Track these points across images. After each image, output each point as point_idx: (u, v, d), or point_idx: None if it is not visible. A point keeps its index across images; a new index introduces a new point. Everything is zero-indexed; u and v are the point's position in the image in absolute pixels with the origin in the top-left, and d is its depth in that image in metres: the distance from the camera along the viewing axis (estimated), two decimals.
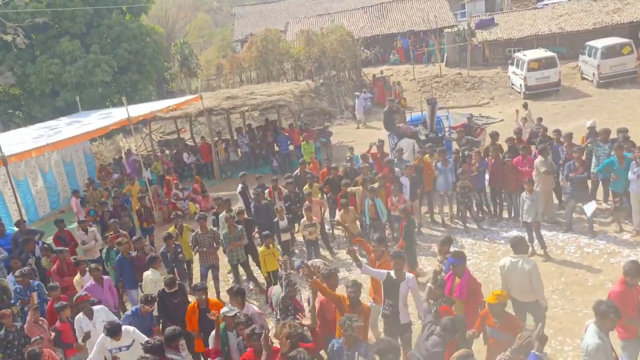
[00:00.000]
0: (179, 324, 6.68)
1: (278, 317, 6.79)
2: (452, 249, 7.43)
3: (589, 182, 10.61)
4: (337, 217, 11.57)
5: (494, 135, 11.93)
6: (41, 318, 7.79)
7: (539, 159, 10.46)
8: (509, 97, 23.22)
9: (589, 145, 11.14)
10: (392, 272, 6.51)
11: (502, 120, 19.36)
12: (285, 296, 6.77)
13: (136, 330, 6.62)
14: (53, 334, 7.63)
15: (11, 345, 7.31)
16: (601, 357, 4.77)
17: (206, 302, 7.01)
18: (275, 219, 10.53)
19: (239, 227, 9.80)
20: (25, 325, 7.38)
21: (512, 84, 23.77)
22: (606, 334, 4.92)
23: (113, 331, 6.32)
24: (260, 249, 9.48)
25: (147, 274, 8.52)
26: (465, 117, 16.05)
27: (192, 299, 7.59)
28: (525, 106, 16.58)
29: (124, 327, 6.51)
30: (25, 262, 9.64)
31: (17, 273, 8.63)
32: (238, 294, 6.68)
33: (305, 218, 10.24)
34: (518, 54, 23.16)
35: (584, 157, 10.49)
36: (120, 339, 6.39)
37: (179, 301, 7.57)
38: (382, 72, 27.14)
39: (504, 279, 6.82)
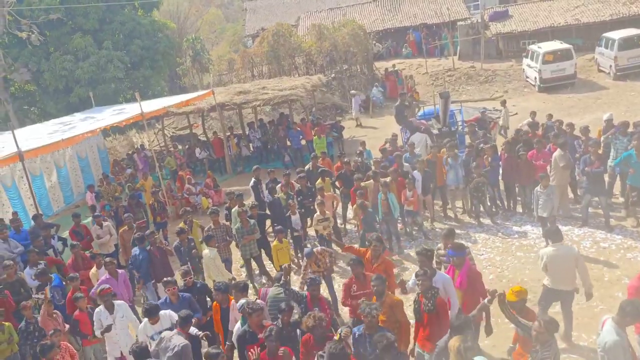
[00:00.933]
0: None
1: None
2: (464, 243, 7.38)
3: (606, 176, 10.45)
4: (350, 211, 11.60)
5: (533, 125, 11.91)
6: (55, 311, 7.92)
7: (558, 152, 10.26)
8: (523, 90, 22.96)
9: (609, 137, 10.97)
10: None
11: (516, 113, 19.12)
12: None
13: (172, 312, 6.69)
14: (67, 325, 7.76)
15: (31, 337, 7.50)
16: (619, 353, 4.72)
17: (227, 301, 7.05)
18: (288, 214, 10.55)
19: (252, 221, 9.84)
20: (39, 318, 7.50)
21: (527, 77, 23.48)
22: (624, 330, 4.86)
23: (151, 312, 6.46)
24: (273, 243, 9.50)
25: (206, 252, 8.90)
26: (479, 111, 15.89)
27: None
28: (503, 103, 16.62)
29: (161, 311, 6.62)
30: (43, 253, 9.78)
31: (33, 275, 8.72)
32: (244, 289, 6.88)
33: (318, 212, 10.23)
34: (533, 47, 22.85)
35: (600, 151, 10.34)
36: (159, 323, 6.48)
37: (197, 300, 7.47)
38: (394, 65, 26.97)
39: (548, 269, 6.78)
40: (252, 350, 5.68)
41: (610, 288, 8.03)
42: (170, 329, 6.43)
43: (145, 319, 6.68)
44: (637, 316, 4.82)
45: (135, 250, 9.25)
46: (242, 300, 6.43)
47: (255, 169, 12.71)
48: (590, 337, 6.98)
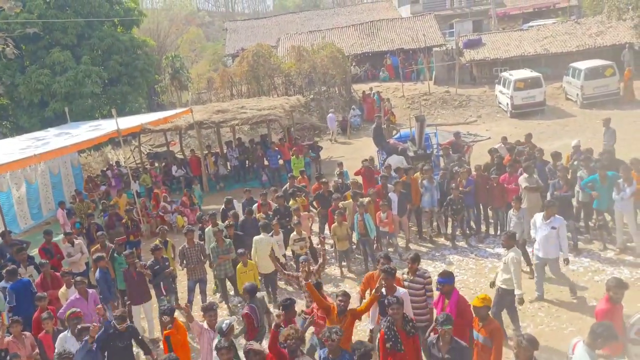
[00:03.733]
0: None
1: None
2: (436, 266, 7.50)
3: (574, 201, 10.78)
4: (327, 231, 11.65)
5: (511, 149, 12.46)
6: (24, 332, 7.68)
7: (523, 176, 10.69)
8: (496, 115, 23.57)
9: (574, 163, 11.34)
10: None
11: (489, 138, 19.61)
12: None
13: None
14: (37, 350, 7.53)
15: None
16: None
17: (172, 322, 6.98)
18: (271, 234, 10.51)
19: (227, 240, 9.79)
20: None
21: (499, 103, 24.14)
22: (594, 352, 4.99)
23: None
24: (237, 266, 9.28)
25: (260, 238, 9.69)
26: (452, 134, 16.23)
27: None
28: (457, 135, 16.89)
29: None
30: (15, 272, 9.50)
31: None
32: (211, 309, 6.81)
33: (295, 232, 10.24)
34: (505, 74, 23.57)
35: (569, 176, 10.67)
36: None
37: (125, 346, 6.93)
38: (371, 88, 27.42)
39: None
40: None
41: (580, 309, 8.23)
42: None
43: None
44: (608, 339, 4.92)
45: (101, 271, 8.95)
46: (227, 320, 6.37)
47: (227, 200, 12.41)
48: (561, 359, 7.10)
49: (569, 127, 19.55)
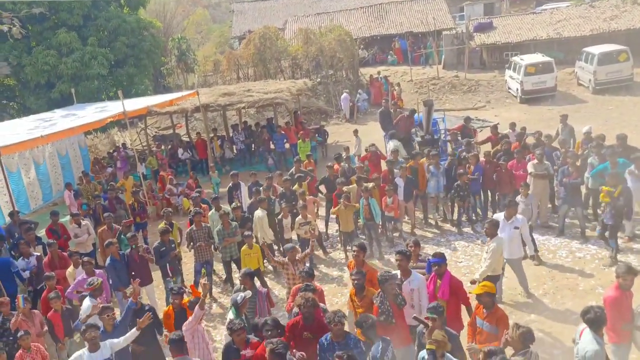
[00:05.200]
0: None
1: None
2: (443, 250, 7.48)
3: (583, 188, 10.67)
4: (332, 216, 11.65)
5: (519, 135, 12.23)
6: (34, 310, 7.78)
7: (532, 162, 10.59)
8: (505, 100, 23.31)
9: (586, 150, 11.20)
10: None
11: (497, 123, 19.38)
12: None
13: (112, 341, 6.19)
14: (46, 328, 7.62)
15: (7, 333, 7.32)
16: None
17: (180, 306, 6.99)
18: (279, 217, 10.53)
19: (233, 223, 9.81)
20: (12, 321, 7.32)
21: (509, 88, 23.85)
22: (602, 338, 4.96)
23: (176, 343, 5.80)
24: (242, 248, 9.32)
25: (257, 212, 10.02)
26: (462, 119, 16.08)
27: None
28: (355, 133, 16.78)
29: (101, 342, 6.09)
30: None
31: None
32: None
33: (300, 216, 10.23)
34: (515, 58, 23.24)
35: (578, 163, 10.56)
36: (99, 352, 5.97)
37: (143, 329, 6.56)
38: (379, 72, 27.17)
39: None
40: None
41: (584, 297, 8.19)
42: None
43: (85, 349, 6.03)
44: (599, 322, 4.92)
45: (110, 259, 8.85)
46: (242, 293, 6.41)
47: (233, 174, 12.60)
48: (564, 345, 7.09)
49: (580, 114, 19.29)
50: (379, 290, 6.13)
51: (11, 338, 7.27)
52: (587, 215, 10.82)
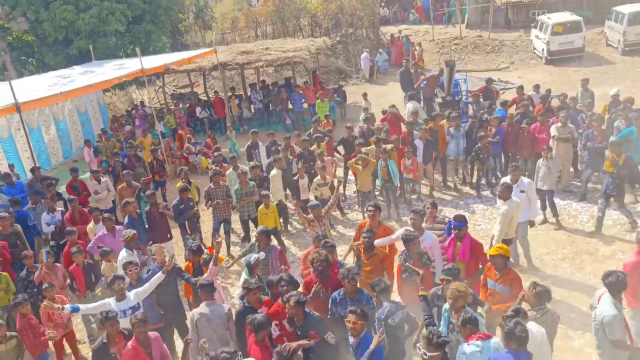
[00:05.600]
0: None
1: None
2: (460, 213, 7.41)
3: (607, 152, 10.40)
4: (350, 177, 11.61)
5: (544, 97, 11.76)
6: (56, 264, 7.97)
7: (555, 125, 10.33)
8: (530, 62, 22.61)
9: (614, 114, 10.85)
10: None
11: (521, 86, 18.87)
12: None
13: (137, 290, 6.32)
14: (68, 281, 7.82)
15: (32, 285, 7.53)
16: (616, 327, 4.79)
17: (198, 263, 7.03)
18: (296, 177, 10.51)
19: (251, 183, 9.82)
20: (35, 274, 7.52)
21: (534, 49, 23.09)
22: (621, 303, 4.91)
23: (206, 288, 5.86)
24: (259, 207, 9.35)
25: (273, 172, 10.03)
26: (484, 80, 15.67)
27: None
28: (364, 96, 16.41)
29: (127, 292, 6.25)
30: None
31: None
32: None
33: (318, 177, 10.19)
34: (542, 17, 22.35)
35: (604, 126, 10.26)
36: (125, 301, 6.11)
37: (167, 282, 6.72)
38: (400, 31, 26.49)
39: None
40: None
41: (604, 262, 8.10)
42: (136, 307, 6.15)
43: (112, 298, 6.15)
44: (620, 286, 4.85)
45: (129, 218, 8.90)
46: (255, 255, 6.49)
47: (253, 132, 12.59)
48: (581, 309, 7.07)
49: (608, 75, 18.66)
50: (404, 249, 6.21)
51: (35, 290, 7.49)
52: None
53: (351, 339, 4.84)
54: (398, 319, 5.19)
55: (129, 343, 5.20)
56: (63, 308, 6.08)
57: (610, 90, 12.13)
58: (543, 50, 21.77)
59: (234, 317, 5.76)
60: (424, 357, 4.22)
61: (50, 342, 6.89)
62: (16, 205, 9.86)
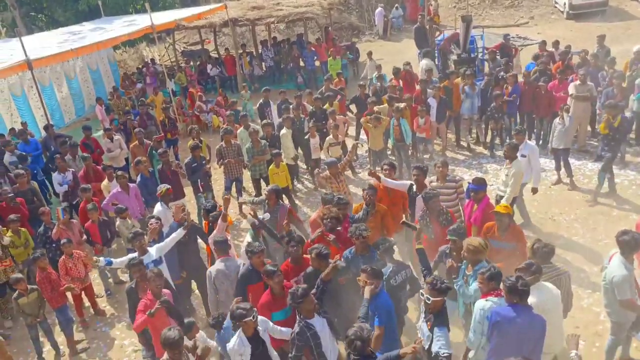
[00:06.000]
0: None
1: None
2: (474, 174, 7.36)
3: (627, 111, 10.14)
4: (362, 136, 11.52)
5: (563, 54, 11.31)
6: (72, 220, 8.13)
7: (574, 83, 10.07)
8: (550, 17, 21.86)
9: (633, 73, 10.52)
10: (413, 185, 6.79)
11: (542, 41, 18.33)
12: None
13: (157, 245, 6.46)
14: (85, 237, 7.99)
15: (50, 241, 7.72)
16: (626, 287, 4.79)
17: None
18: (307, 136, 10.43)
19: (263, 142, 9.77)
20: (53, 231, 7.68)
21: (555, 3, 22.28)
22: (632, 264, 4.89)
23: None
24: (270, 167, 9.31)
25: (282, 131, 9.97)
26: (502, 37, 15.24)
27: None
28: (369, 55, 15.88)
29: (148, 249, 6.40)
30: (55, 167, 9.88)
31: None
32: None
33: (331, 136, 10.11)
34: None
35: (624, 84, 9.97)
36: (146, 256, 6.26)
37: (187, 241, 6.82)
38: None
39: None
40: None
41: (617, 223, 8.02)
42: (159, 261, 6.27)
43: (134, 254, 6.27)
44: (633, 246, 4.81)
45: (141, 176, 8.99)
46: (261, 216, 6.54)
47: (265, 89, 12.50)
48: (592, 269, 7.08)
49: (632, 31, 18.01)
50: (424, 207, 6.25)
51: (53, 245, 7.68)
52: (629, 140, 10.38)
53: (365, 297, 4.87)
54: (400, 280, 5.24)
55: (145, 296, 5.36)
56: (98, 261, 6.26)
57: (634, 47, 11.70)
58: (565, 4, 21.01)
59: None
60: (427, 301, 4.33)
61: (69, 295, 7.13)
62: (24, 162, 9.98)
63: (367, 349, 3.86)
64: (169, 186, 7.87)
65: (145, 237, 6.42)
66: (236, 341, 4.51)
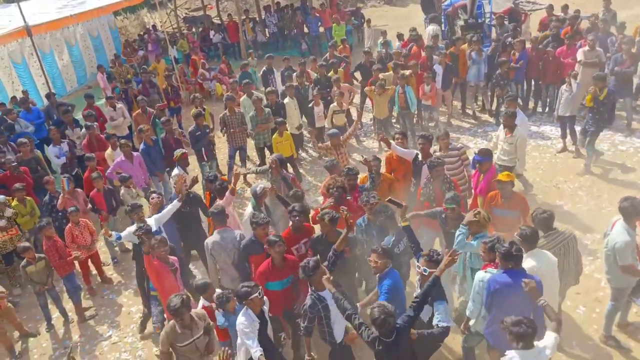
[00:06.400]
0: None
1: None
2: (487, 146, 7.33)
3: (635, 78, 9.98)
4: (367, 103, 11.41)
5: (573, 18, 10.96)
6: (77, 189, 8.15)
7: (582, 49, 9.88)
8: None
9: None
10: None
11: (550, 5, 17.90)
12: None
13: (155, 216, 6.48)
14: (90, 206, 8.03)
15: (55, 209, 7.77)
16: (627, 252, 4.82)
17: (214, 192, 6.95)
18: (311, 104, 10.33)
19: (266, 109, 9.70)
20: (59, 201, 7.71)
21: None
22: (634, 230, 4.90)
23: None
24: (273, 136, 9.26)
25: (286, 100, 9.84)
26: (510, 1, 14.88)
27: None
28: (368, 23, 15.58)
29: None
30: (63, 134, 9.85)
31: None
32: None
33: (335, 104, 10.02)
34: None
35: (634, 50, 9.77)
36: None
37: (189, 211, 6.87)
38: None
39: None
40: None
41: (622, 190, 7.99)
42: (158, 232, 6.21)
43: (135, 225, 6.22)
44: (634, 211, 4.83)
45: (144, 145, 8.94)
46: (261, 185, 6.55)
47: (268, 56, 12.34)
48: (594, 236, 7.10)
49: None
50: (429, 175, 6.30)
51: (59, 214, 7.73)
52: (636, 107, 10.26)
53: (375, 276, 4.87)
54: (402, 247, 5.30)
55: (153, 260, 5.40)
56: (111, 235, 6.28)
57: None
58: None
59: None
60: (424, 273, 4.42)
61: (76, 263, 7.23)
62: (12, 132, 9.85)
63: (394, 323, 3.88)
64: (184, 150, 7.91)
65: (142, 209, 6.40)
66: (244, 318, 4.49)
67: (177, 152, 7.85)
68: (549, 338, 3.83)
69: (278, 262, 5.11)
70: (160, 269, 5.37)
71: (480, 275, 4.54)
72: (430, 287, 4.15)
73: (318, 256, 4.91)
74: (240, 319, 4.51)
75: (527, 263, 4.47)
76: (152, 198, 6.80)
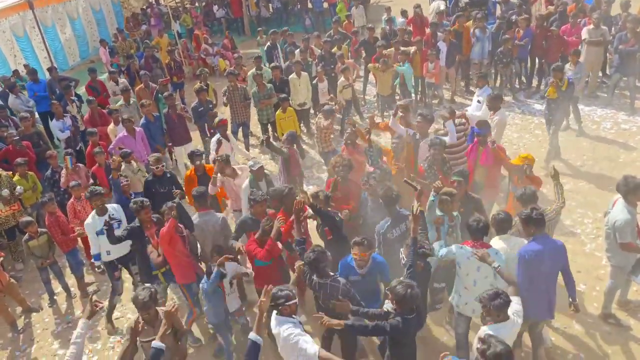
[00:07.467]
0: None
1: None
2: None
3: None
4: (371, 79, 11.36)
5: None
6: (79, 164, 8.15)
7: (587, 27, 9.78)
8: None
9: None
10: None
11: None
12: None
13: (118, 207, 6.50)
14: (91, 181, 8.05)
15: (57, 185, 7.80)
16: (627, 230, 4.87)
17: (203, 169, 6.94)
18: (315, 81, 10.27)
19: (268, 85, 9.66)
20: (62, 179, 7.73)
21: None
22: (634, 208, 4.94)
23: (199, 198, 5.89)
24: (276, 112, 9.24)
25: (292, 76, 9.72)
26: None
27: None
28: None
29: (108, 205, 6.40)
30: (64, 109, 9.84)
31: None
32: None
33: (342, 79, 9.96)
34: None
35: (639, 29, 9.66)
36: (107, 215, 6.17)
37: (167, 191, 6.69)
38: None
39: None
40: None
41: (623, 169, 8.00)
42: (119, 220, 6.25)
43: (93, 212, 6.28)
44: (633, 190, 4.87)
45: (144, 119, 8.95)
46: (256, 161, 6.57)
47: (272, 32, 12.25)
48: (595, 215, 7.14)
49: None
50: (429, 154, 6.31)
51: (62, 189, 7.76)
52: None
53: (359, 270, 4.70)
54: (397, 233, 5.21)
55: (166, 225, 5.30)
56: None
57: None
58: None
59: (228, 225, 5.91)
60: (403, 262, 4.55)
61: (79, 239, 7.25)
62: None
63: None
64: (223, 117, 7.99)
65: (102, 196, 6.24)
66: (288, 325, 3.87)
67: (216, 119, 7.94)
68: (515, 305, 3.97)
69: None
70: (173, 234, 5.32)
71: (498, 245, 4.63)
72: (413, 254, 4.25)
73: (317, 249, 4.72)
74: (286, 327, 3.85)
75: (497, 244, 4.64)
76: (157, 168, 6.82)
